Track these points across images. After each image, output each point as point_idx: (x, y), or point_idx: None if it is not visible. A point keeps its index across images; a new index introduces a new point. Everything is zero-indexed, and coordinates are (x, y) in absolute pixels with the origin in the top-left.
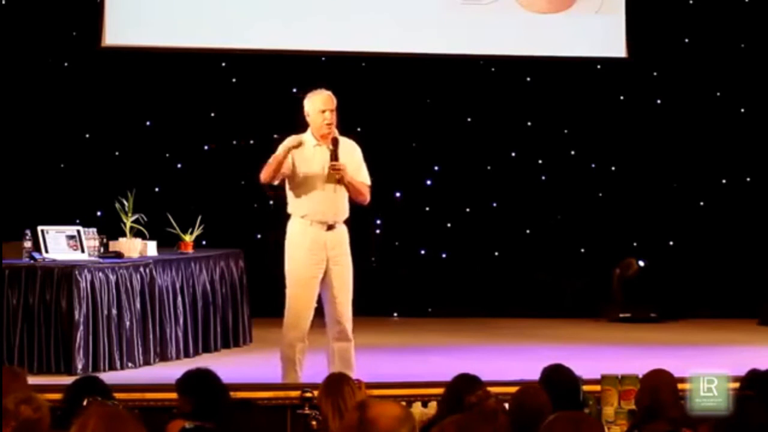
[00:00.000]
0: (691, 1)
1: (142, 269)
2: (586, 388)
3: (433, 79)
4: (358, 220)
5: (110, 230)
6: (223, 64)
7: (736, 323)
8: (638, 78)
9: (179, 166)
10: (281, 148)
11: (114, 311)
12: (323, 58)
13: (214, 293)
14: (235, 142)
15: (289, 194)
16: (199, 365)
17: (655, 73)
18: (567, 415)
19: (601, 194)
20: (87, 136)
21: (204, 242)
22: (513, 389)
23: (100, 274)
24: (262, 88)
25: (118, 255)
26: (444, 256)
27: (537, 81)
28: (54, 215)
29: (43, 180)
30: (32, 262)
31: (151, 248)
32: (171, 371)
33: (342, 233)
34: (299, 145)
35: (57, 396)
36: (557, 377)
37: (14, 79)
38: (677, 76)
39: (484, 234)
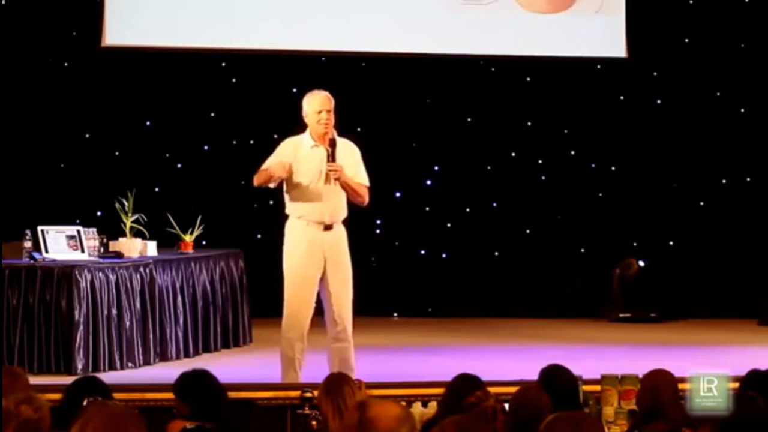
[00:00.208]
0: (691, 1)
1: (142, 269)
2: (586, 388)
3: (433, 79)
4: (358, 220)
5: (110, 230)
6: (223, 64)
7: (736, 323)
8: (638, 78)
9: (179, 166)
10: (277, 167)
11: (114, 311)
12: (323, 58)
13: (214, 293)
14: (235, 142)
15: (287, 195)
16: (199, 365)
17: (655, 73)
18: (567, 415)
19: (601, 194)
20: (87, 136)
21: (204, 242)
22: (513, 389)
23: (100, 274)
24: (262, 88)
25: (118, 255)
26: (444, 256)
27: (537, 81)
28: (54, 215)
29: (43, 180)
30: (32, 262)
31: (151, 248)
32: (171, 371)
33: (340, 234)
34: (289, 173)
35: (57, 396)
36: (555, 377)
37: (14, 79)
38: (677, 76)
39: (484, 234)
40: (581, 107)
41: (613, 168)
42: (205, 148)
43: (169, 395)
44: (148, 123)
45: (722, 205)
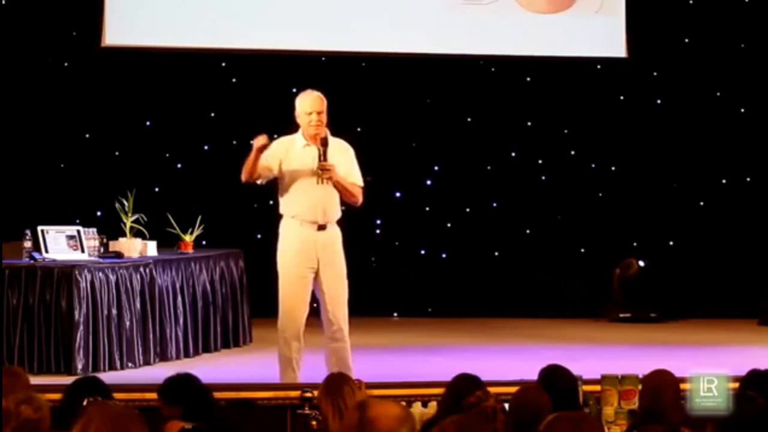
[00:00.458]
0: (691, 1)
1: (142, 269)
2: (586, 388)
3: (433, 79)
4: (358, 220)
5: (110, 230)
6: (223, 64)
7: (736, 323)
8: (638, 78)
9: (179, 166)
10: (257, 161)
11: (114, 311)
12: (323, 58)
13: (214, 293)
14: (235, 142)
15: (280, 194)
16: (199, 365)
17: (655, 73)
18: (567, 415)
19: (601, 194)
20: (87, 136)
21: (204, 242)
22: (513, 389)
23: (100, 274)
24: (262, 88)
25: (118, 255)
26: (444, 256)
27: (537, 81)
28: (54, 215)
29: (43, 180)
30: (32, 262)
31: (151, 248)
32: (171, 371)
33: (333, 234)
34: (265, 146)
35: (57, 396)
36: (555, 377)
37: (14, 79)
38: (677, 76)
39: (484, 234)
40: (581, 107)
41: (613, 168)
42: (205, 148)
43: None
44: (148, 123)
45: (722, 205)
